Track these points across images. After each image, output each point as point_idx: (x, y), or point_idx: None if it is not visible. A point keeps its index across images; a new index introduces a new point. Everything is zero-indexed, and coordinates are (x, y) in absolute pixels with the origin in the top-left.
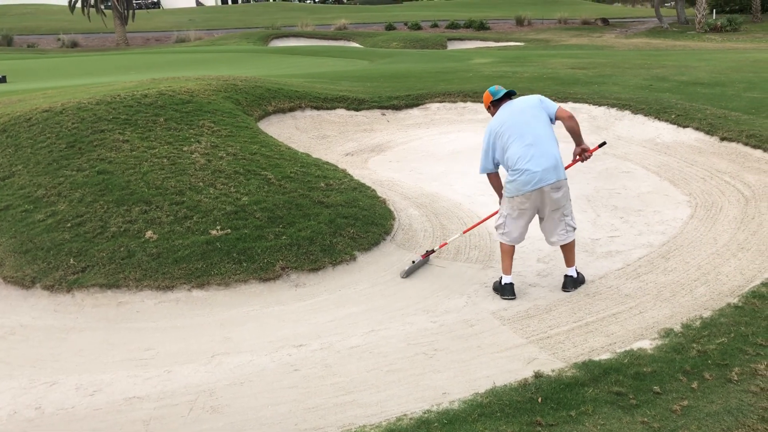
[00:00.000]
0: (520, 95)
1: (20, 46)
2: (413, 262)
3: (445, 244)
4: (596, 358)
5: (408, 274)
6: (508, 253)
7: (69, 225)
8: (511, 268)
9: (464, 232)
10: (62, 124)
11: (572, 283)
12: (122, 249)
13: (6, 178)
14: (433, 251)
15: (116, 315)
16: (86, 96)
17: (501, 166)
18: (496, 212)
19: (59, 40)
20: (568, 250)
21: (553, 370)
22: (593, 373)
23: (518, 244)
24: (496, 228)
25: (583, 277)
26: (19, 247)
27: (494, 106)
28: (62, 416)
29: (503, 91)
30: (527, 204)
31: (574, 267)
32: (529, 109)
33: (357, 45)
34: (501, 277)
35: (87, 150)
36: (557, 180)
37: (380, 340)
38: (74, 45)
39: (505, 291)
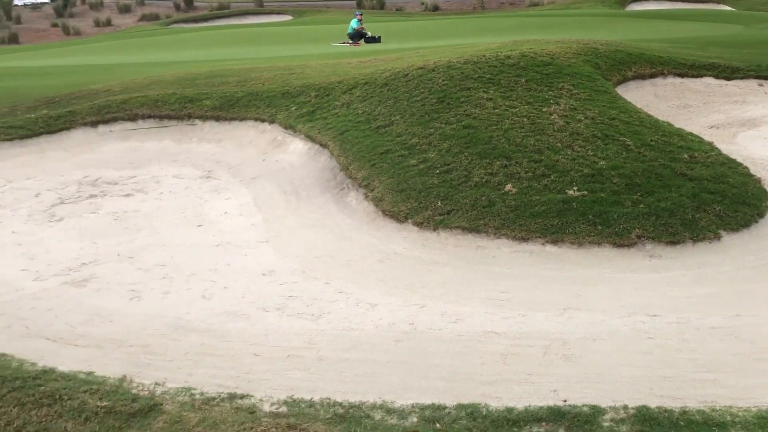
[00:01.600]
0: None
1: (390, 10)
2: None
3: None
4: None
5: None
6: None
7: (438, 171)
8: None
9: None
10: (434, 81)
11: None
12: (483, 198)
13: (386, 126)
14: None
15: (474, 257)
16: (455, 56)
17: None
18: None
19: (423, 3)
20: None
21: None
22: None
23: None
24: None
25: None
26: (396, 186)
27: None
28: (431, 335)
29: None
30: None
31: None
32: None
33: (727, 8)
34: None
35: (455, 105)
36: None
37: (746, 326)
38: (435, 8)
39: None
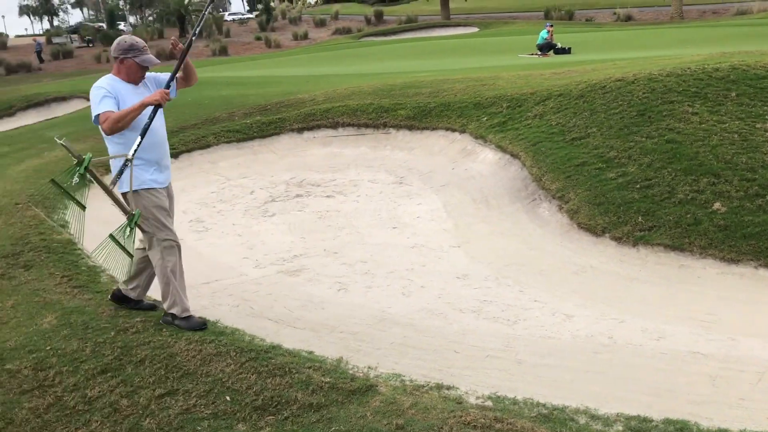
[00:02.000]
0: None
1: (579, 20)
2: None
3: None
4: None
5: None
6: None
7: (638, 186)
8: None
9: None
10: (633, 93)
11: None
12: (689, 216)
13: (582, 138)
14: None
15: (677, 275)
16: (656, 68)
17: None
18: None
19: (615, 14)
20: None
21: None
22: None
23: None
24: None
25: None
26: (593, 200)
27: None
28: (631, 350)
29: None
30: None
31: None
32: None
33: None
34: None
35: (656, 119)
36: None
37: None
38: (628, 18)
39: None
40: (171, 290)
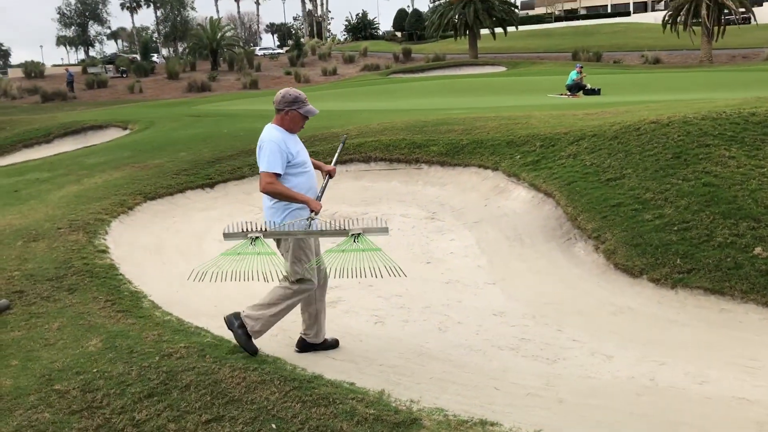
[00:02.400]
0: None
1: (607, 62)
2: None
3: None
4: None
5: None
6: None
7: (675, 228)
8: None
9: None
10: (668, 136)
11: None
12: (729, 259)
13: (617, 179)
14: None
15: (717, 319)
16: (690, 111)
17: None
18: None
19: (643, 56)
20: None
21: None
22: None
23: None
24: None
25: None
26: (630, 240)
27: None
28: (674, 392)
29: None
30: None
31: None
32: None
33: None
34: None
35: (692, 162)
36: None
37: None
38: (657, 61)
39: None
40: (270, 313)
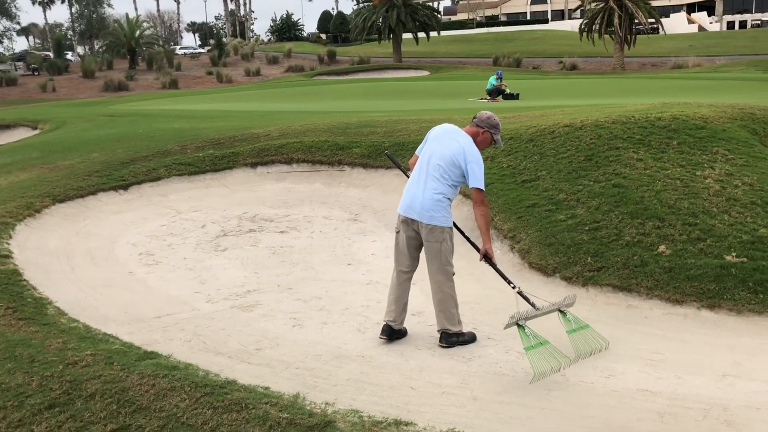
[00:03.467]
0: None
1: (526, 68)
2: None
3: None
4: None
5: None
6: None
7: (587, 228)
8: None
9: None
10: (581, 139)
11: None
12: (635, 257)
13: (532, 180)
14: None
15: (625, 315)
16: (601, 115)
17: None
18: None
19: (561, 63)
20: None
21: None
22: None
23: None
24: None
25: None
26: (544, 240)
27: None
28: (583, 387)
29: None
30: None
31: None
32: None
33: None
34: None
35: (603, 164)
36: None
37: None
38: (573, 68)
39: None
40: (451, 309)
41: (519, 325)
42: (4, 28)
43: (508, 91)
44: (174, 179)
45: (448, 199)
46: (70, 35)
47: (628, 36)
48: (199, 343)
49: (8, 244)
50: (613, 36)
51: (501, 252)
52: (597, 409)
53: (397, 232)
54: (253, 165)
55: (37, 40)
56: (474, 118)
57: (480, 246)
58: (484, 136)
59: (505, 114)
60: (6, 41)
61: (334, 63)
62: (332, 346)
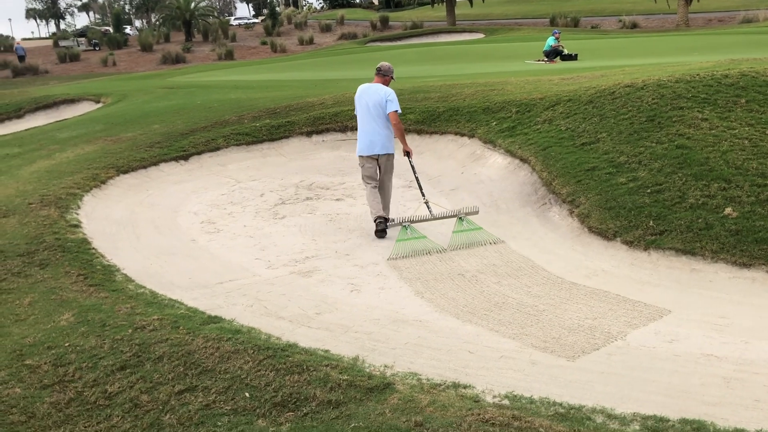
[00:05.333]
0: None
1: (585, 27)
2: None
3: None
4: None
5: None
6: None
7: (649, 191)
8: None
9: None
10: (643, 99)
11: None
12: (700, 220)
13: (592, 143)
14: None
15: (689, 279)
16: (664, 74)
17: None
18: None
19: (620, 21)
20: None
21: None
22: None
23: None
24: None
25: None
26: (604, 204)
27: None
28: (645, 351)
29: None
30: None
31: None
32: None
33: None
34: None
35: (666, 125)
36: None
37: None
38: (634, 26)
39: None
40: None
41: (403, 226)
42: (66, 4)
43: (566, 51)
44: (232, 149)
45: (389, 129)
46: (128, 9)
47: None
48: (261, 307)
49: (77, 214)
50: None
51: (560, 217)
52: (658, 374)
53: (362, 166)
54: (309, 134)
55: (97, 16)
56: (379, 70)
57: (402, 149)
58: (386, 79)
59: (563, 75)
60: (68, 17)
61: (387, 29)
62: (390, 311)
